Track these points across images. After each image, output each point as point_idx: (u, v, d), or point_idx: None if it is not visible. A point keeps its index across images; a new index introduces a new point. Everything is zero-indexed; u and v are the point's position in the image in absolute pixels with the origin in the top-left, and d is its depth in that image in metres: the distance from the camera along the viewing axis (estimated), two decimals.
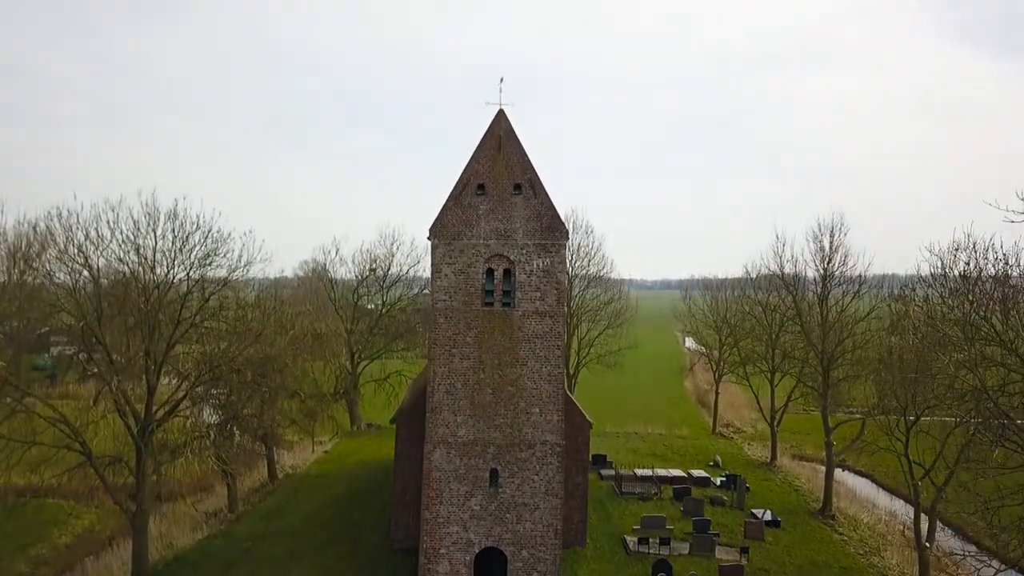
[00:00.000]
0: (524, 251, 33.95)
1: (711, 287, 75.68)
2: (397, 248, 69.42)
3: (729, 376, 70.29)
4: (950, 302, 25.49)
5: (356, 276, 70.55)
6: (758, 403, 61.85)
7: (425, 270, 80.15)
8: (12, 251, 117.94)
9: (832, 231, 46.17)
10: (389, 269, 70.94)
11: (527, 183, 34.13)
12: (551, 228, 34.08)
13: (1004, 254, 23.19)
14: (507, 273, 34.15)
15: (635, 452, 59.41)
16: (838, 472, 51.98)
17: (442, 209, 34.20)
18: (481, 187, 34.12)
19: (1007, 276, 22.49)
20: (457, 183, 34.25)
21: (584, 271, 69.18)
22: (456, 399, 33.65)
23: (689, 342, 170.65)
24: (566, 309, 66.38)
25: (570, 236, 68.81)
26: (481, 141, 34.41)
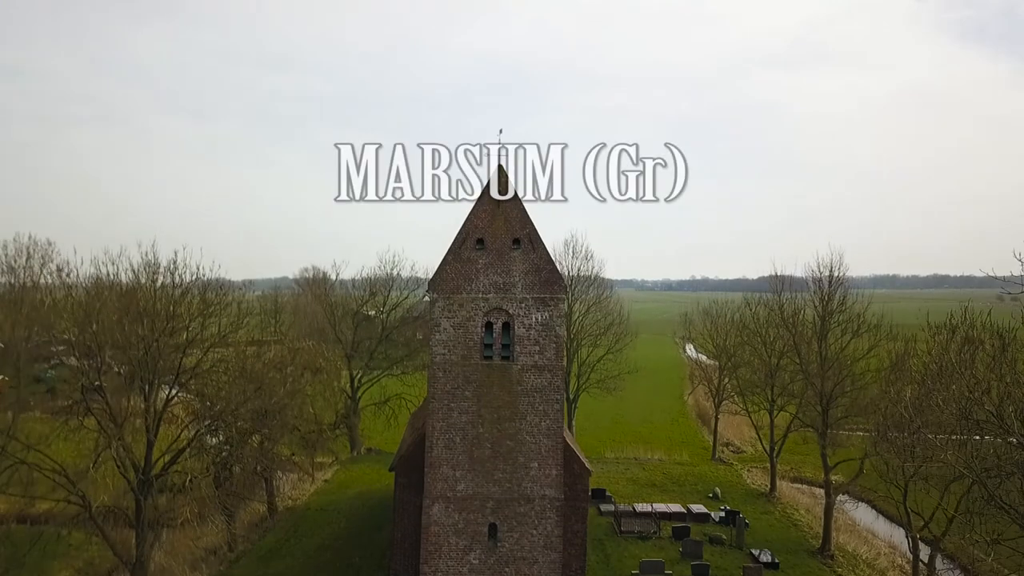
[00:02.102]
0: (523, 305, 34.03)
1: (710, 314, 75.44)
2: (397, 273, 69.51)
3: (728, 404, 70.32)
4: (947, 382, 25.56)
5: (356, 302, 70.71)
6: (758, 435, 61.91)
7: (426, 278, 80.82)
8: (13, 265, 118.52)
9: (831, 270, 46.28)
10: (389, 294, 71.05)
11: (526, 237, 34.22)
12: (550, 282, 34.15)
13: (1001, 330, 23.16)
14: (506, 327, 34.25)
15: (634, 482, 59.49)
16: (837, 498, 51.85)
17: (441, 263, 34.30)
18: (480, 241, 34.23)
19: (1004, 350, 22.52)
20: (456, 237, 34.34)
21: (584, 295, 69.33)
22: (455, 453, 33.74)
23: (690, 350, 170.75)
24: (566, 334, 66.62)
25: (570, 261, 69.49)
26: (480, 196, 34.50)
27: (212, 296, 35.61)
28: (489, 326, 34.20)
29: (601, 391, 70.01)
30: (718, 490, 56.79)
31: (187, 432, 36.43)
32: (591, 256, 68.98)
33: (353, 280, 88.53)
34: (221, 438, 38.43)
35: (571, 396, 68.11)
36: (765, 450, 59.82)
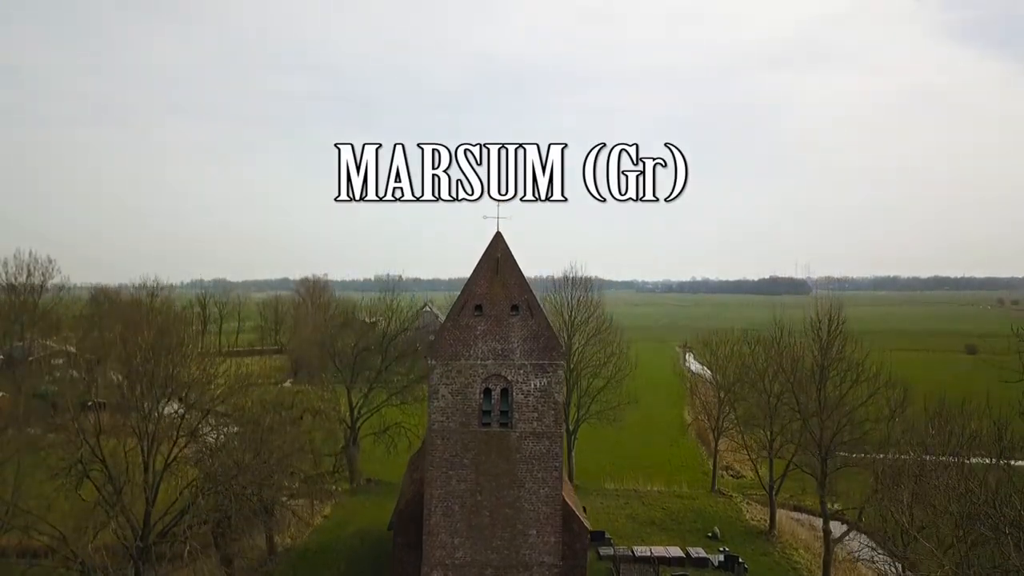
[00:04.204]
0: (521, 371, 34.07)
1: (710, 344, 75.42)
2: (397, 305, 69.52)
3: (727, 440, 70.38)
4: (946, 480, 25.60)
5: (356, 334, 70.83)
6: (756, 474, 61.90)
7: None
8: (13, 283, 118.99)
9: (831, 319, 46.26)
10: (389, 325, 71.13)
11: (524, 304, 34.25)
12: (548, 348, 34.18)
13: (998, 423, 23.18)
14: (504, 393, 34.28)
15: (634, 520, 59.50)
16: (835, 525, 51.63)
17: (440, 330, 34.37)
18: (479, 308, 34.26)
19: (1000, 455, 22.57)
20: (455, 304, 34.40)
21: (584, 327, 69.32)
22: (453, 521, 33.81)
23: (691, 361, 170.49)
24: (566, 364, 66.59)
25: (569, 292, 69.49)
26: (479, 263, 34.55)
27: (210, 363, 35.59)
28: (488, 392, 34.25)
29: (600, 422, 69.97)
30: (717, 529, 56.81)
31: (186, 493, 36.48)
32: (591, 287, 68.96)
33: (355, 300, 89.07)
34: (221, 496, 38.45)
35: (571, 427, 68.15)
36: (764, 488, 59.84)
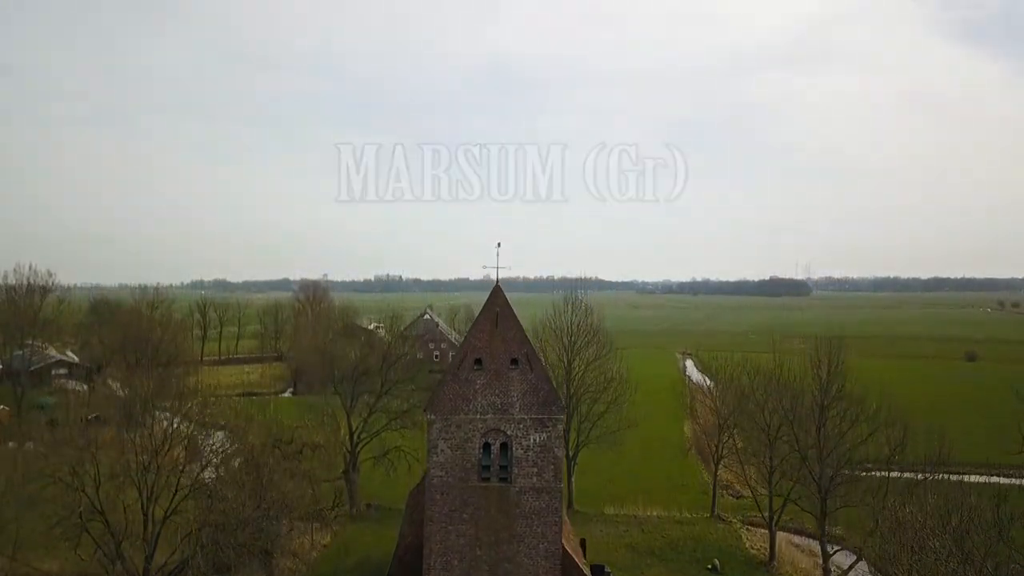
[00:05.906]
0: (521, 426, 34.01)
1: (709, 368, 75.32)
2: (398, 327, 69.43)
3: (724, 468, 70.37)
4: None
5: (357, 355, 70.80)
6: (756, 503, 61.87)
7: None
8: (13, 296, 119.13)
9: (831, 357, 46.21)
10: (390, 345, 71.05)
11: (523, 357, 34.18)
12: (548, 402, 34.12)
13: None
14: (504, 447, 34.21)
15: (633, 550, 59.38)
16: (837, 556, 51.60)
17: (439, 384, 34.30)
18: (478, 362, 34.19)
19: (1000, 535, 22.52)
20: (455, 358, 34.31)
21: (584, 352, 69.25)
22: None
23: (691, 368, 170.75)
24: (565, 389, 66.60)
25: (569, 316, 69.42)
26: (479, 316, 34.51)
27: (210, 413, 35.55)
28: (487, 447, 34.19)
29: (600, 446, 69.95)
30: (717, 562, 56.68)
31: (186, 544, 36.45)
32: (591, 312, 68.87)
33: (356, 305, 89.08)
34: (221, 546, 38.41)
35: (570, 452, 68.07)
36: (762, 516, 59.86)
